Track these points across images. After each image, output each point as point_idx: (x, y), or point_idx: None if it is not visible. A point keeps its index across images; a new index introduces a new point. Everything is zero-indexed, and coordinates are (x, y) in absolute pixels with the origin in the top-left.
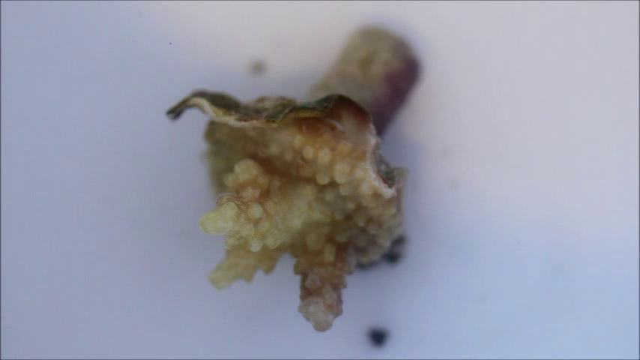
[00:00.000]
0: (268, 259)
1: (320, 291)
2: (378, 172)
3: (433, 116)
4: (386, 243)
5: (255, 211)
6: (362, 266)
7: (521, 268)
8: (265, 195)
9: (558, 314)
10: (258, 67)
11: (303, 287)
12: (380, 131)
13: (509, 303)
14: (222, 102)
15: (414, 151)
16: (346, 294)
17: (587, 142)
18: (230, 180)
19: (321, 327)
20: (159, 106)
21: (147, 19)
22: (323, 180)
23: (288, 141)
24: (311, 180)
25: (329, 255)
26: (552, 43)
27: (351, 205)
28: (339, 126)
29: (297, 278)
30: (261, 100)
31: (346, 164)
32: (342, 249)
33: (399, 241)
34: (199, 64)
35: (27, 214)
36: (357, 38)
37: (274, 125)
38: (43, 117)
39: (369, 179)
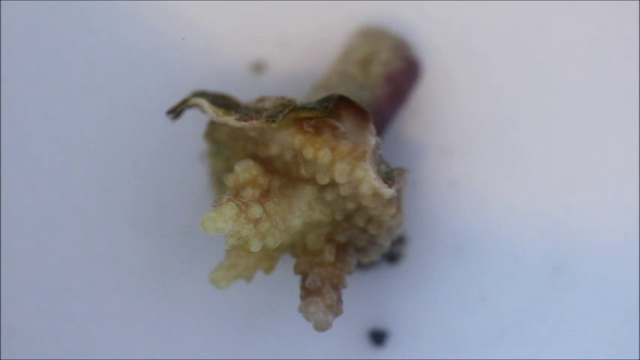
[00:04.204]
0: (268, 259)
1: (320, 291)
2: (378, 172)
3: (433, 116)
4: (386, 243)
5: (255, 211)
6: (362, 266)
7: (521, 268)
8: (265, 195)
9: (558, 314)
10: (258, 67)
11: (303, 287)
12: (380, 131)
13: (510, 303)
14: (222, 102)
15: (414, 151)
16: (346, 294)
17: (587, 142)
18: (230, 180)
19: (321, 327)
20: (159, 106)
21: (147, 19)
22: (323, 180)
23: (288, 141)
24: (311, 180)
25: (329, 255)
26: (552, 43)
27: (351, 205)
28: (340, 126)
29: (297, 278)
30: (261, 100)
31: (346, 164)
32: (342, 249)
33: (399, 241)
34: (199, 64)
35: (27, 214)
36: (357, 38)
37: (274, 125)
38: (43, 117)
39: (369, 179)
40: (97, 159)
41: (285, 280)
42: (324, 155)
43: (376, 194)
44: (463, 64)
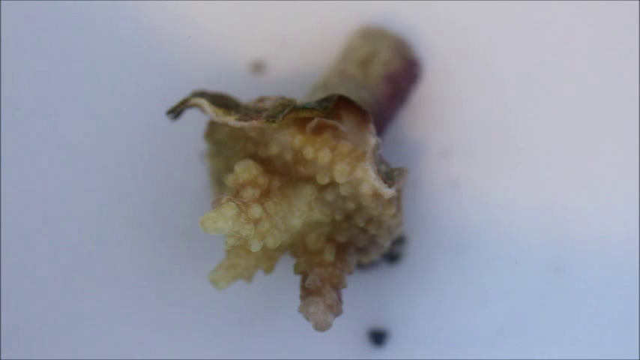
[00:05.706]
0: (268, 259)
1: (320, 291)
2: (378, 172)
3: (433, 116)
4: (386, 243)
5: (255, 211)
6: (362, 266)
7: (521, 269)
8: (265, 195)
9: (559, 315)
10: (258, 67)
11: (303, 287)
12: (380, 131)
13: (510, 303)
14: (222, 102)
15: (414, 151)
16: (346, 294)
17: (587, 142)
18: (230, 180)
19: (321, 327)
20: (159, 106)
21: (147, 18)
22: (323, 180)
23: (288, 141)
24: (311, 180)
25: (329, 255)
26: (552, 43)
27: (351, 205)
28: (340, 126)
29: (297, 278)
30: (261, 100)
31: (346, 164)
32: (342, 249)
33: (399, 241)
34: (199, 64)
35: (27, 214)
36: (357, 38)
37: (274, 125)
38: (43, 116)
39: (369, 179)
40: (97, 159)
41: (285, 280)
42: (324, 155)
43: (376, 194)
44: (463, 64)
